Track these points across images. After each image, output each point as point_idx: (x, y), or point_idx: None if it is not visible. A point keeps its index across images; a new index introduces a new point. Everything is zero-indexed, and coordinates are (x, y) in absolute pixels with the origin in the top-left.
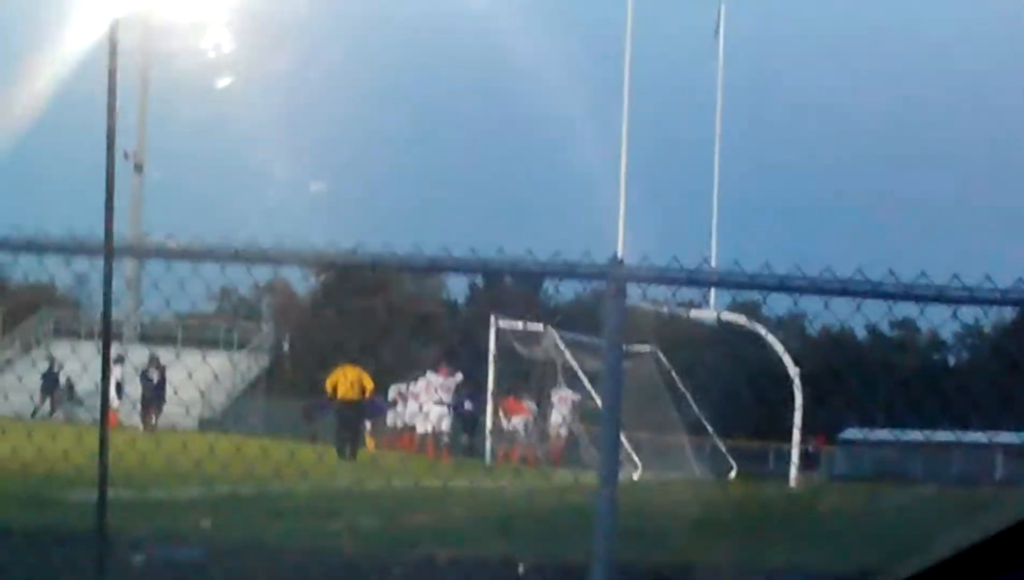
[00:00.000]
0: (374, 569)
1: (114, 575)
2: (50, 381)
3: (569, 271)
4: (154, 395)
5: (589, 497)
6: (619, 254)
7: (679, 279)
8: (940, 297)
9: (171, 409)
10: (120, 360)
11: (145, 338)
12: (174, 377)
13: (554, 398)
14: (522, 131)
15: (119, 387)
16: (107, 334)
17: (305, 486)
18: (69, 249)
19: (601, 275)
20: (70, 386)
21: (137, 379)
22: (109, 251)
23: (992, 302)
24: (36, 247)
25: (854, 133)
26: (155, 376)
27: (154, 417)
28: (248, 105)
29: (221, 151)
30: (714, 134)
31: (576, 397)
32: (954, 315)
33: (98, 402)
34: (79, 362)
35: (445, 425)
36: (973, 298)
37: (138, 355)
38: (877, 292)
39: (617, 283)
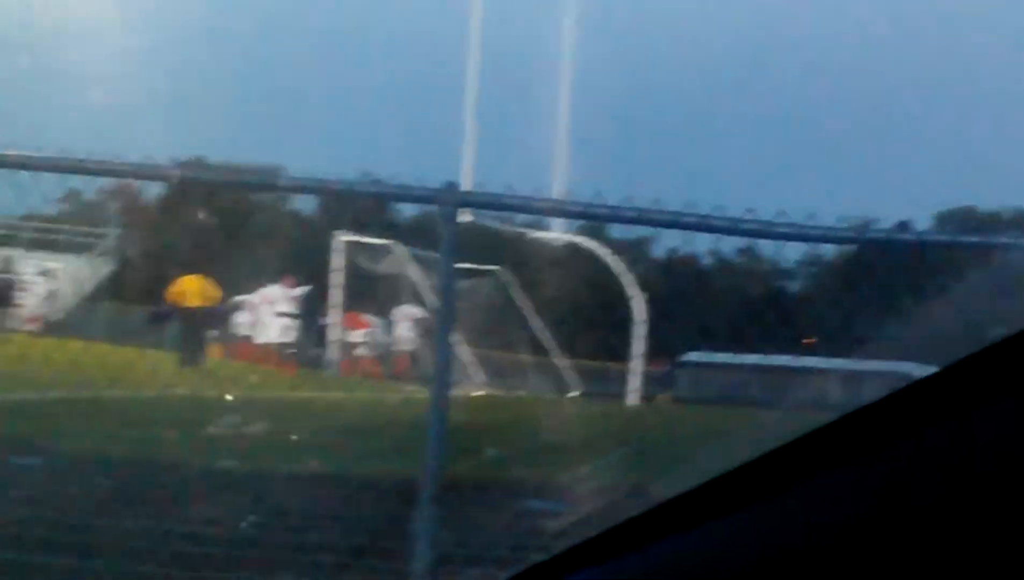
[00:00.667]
0: (211, 479)
1: None
2: None
3: (405, 194)
4: (4, 297)
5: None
6: (456, 179)
7: (512, 206)
8: (764, 233)
9: (15, 312)
10: None
11: None
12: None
13: (398, 313)
14: (379, 46)
15: None
16: None
17: (148, 393)
18: None
19: (435, 200)
20: None
21: None
22: None
23: (816, 240)
24: None
25: (709, 57)
26: (6, 278)
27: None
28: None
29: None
30: (565, 58)
31: (420, 313)
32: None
33: None
34: None
35: (289, 336)
36: (797, 235)
37: None
38: (704, 225)
39: (450, 208)
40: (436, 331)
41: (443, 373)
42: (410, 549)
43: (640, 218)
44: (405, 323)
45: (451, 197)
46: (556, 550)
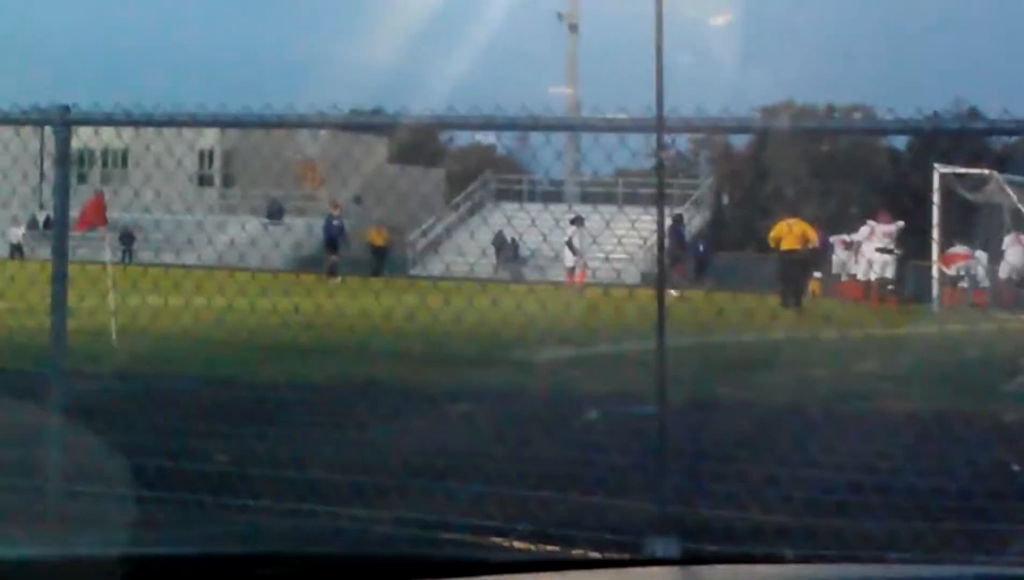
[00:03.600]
0: (822, 421)
1: (565, 431)
2: (499, 241)
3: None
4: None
5: None
6: None
7: None
8: None
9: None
10: (579, 221)
11: (586, 197)
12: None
13: (1005, 242)
14: None
15: (571, 245)
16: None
17: (751, 337)
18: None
19: None
20: (515, 246)
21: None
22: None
23: None
24: (502, 126)
25: None
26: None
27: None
28: None
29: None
30: None
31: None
32: None
33: (543, 262)
34: (524, 224)
35: (888, 272)
36: None
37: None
38: None
39: None
40: None
41: None
42: None
43: None
44: (1013, 250)
45: None
46: None
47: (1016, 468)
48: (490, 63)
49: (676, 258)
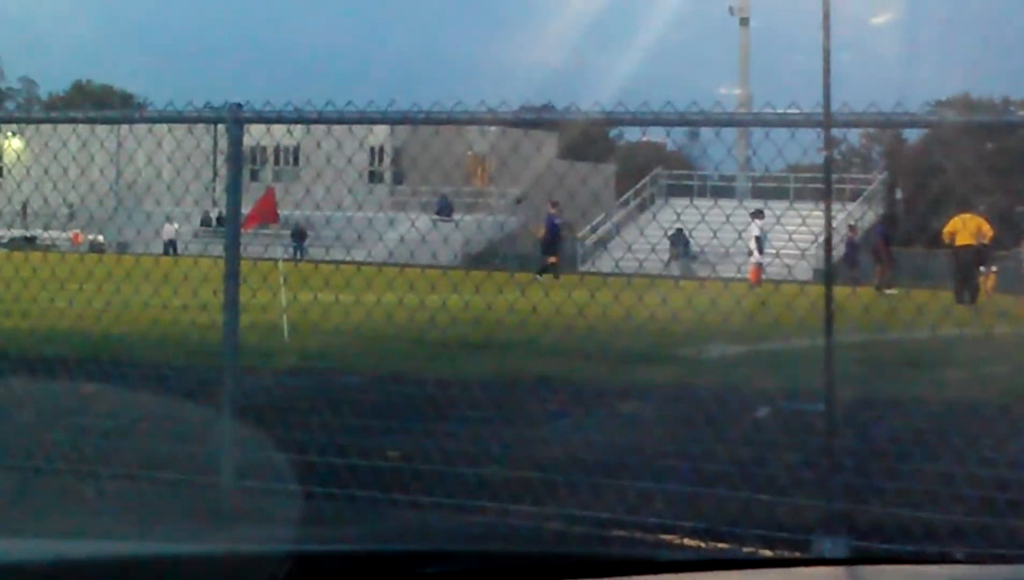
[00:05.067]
0: (995, 418)
1: (734, 427)
2: (674, 237)
3: None
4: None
5: None
6: None
7: None
8: None
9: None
10: (759, 214)
11: (757, 192)
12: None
13: None
14: None
15: (759, 241)
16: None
17: (924, 333)
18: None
19: None
20: (685, 242)
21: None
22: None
23: None
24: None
25: None
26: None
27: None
28: None
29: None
30: None
31: None
32: None
33: (715, 258)
34: (694, 220)
35: None
36: None
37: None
38: None
39: None
40: None
41: None
42: None
43: None
44: None
45: None
46: None
47: None
48: (660, 60)
49: (879, 259)
